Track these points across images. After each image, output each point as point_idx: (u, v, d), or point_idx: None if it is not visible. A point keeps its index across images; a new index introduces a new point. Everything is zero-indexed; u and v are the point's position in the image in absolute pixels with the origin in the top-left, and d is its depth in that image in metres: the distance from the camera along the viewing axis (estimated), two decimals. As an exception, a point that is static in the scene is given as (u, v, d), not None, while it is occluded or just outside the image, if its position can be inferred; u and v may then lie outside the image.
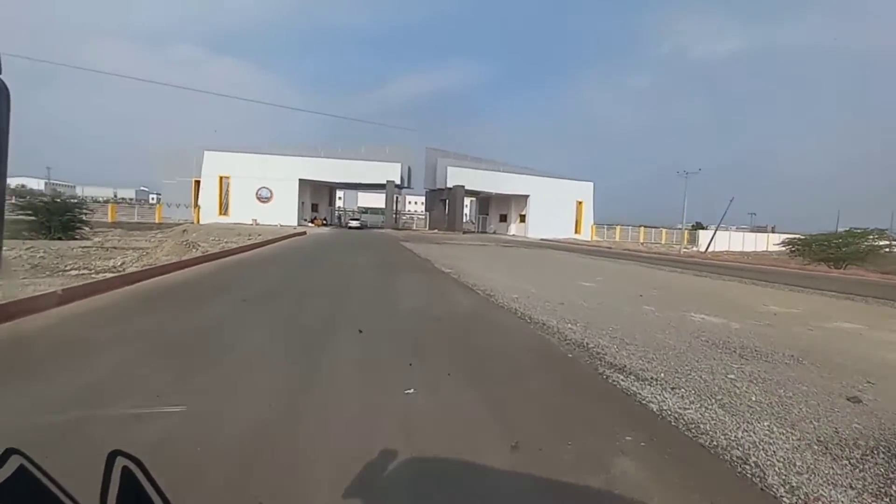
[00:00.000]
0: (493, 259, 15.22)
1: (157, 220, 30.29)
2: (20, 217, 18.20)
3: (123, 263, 10.25)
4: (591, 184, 43.89)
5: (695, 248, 39.97)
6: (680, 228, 56.92)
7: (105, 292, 5.90)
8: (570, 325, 5.35)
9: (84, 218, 21.11)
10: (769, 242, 48.67)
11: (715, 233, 38.45)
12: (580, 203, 43.23)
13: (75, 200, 22.54)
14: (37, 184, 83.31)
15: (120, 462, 0.58)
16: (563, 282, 9.93)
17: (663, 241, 47.56)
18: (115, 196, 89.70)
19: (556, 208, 41.44)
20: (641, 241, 45.94)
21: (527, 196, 41.16)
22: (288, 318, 5.01)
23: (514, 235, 42.36)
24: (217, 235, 22.84)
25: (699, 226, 56.63)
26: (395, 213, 39.38)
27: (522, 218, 42.92)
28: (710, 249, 36.43)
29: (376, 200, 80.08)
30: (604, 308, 6.76)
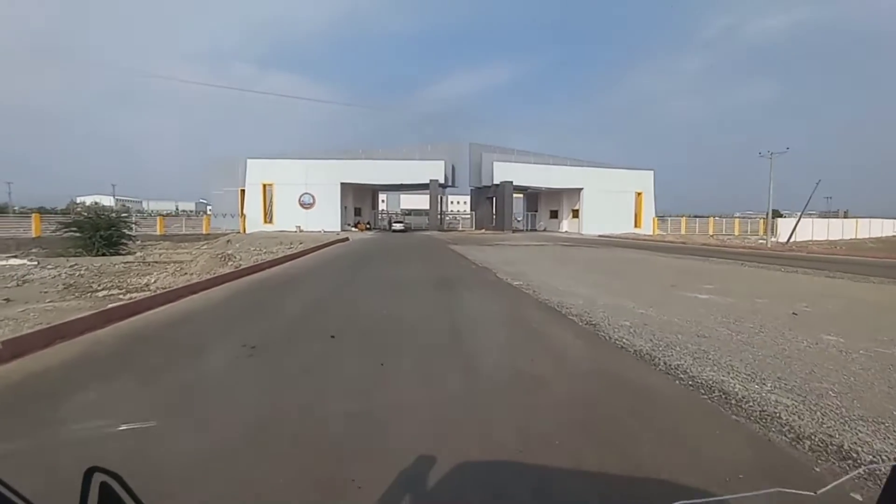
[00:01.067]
0: (561, 263, 12.92)
1: (204, 231, 30.31)
2: (71, 233, 18.07)
3: (157, 280, 9.30)
4: (651, 172, 39.98)
5: (773, 239, 35.26)
6: (753, 217, 51.39)
7: (74, 337, 4.34)
8: (756, 387, 3.20)
9: (128, 232, 20.95)
10: (858, 230, 42.44)
11: (798, 221, 33.62)
12: (639, 194, 39.46)
13: (122, 214, 22.52)
14: (109, 200, 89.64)
15: (98, 478, 0.59)
16: (665, 293, 7.56)
17: (736, 232, 42.65)
18: (177, 209, 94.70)
19: (612, 201, 38.02)
20: (711, 233, 41.40)
21: (580, 189, 38.05)
22: (302, 398, 3.14)
23: (566, 232, 39.39)
24: (258, 245, 22.03)
25: (776, 213, 50.66)
26: (440, 214, 37.59)
27: (575, 213, 39.84)
28: (792, 240, 31.79)
29: (420, 202, 79.07)
30: (766, 342, 4.57)
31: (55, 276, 9.36)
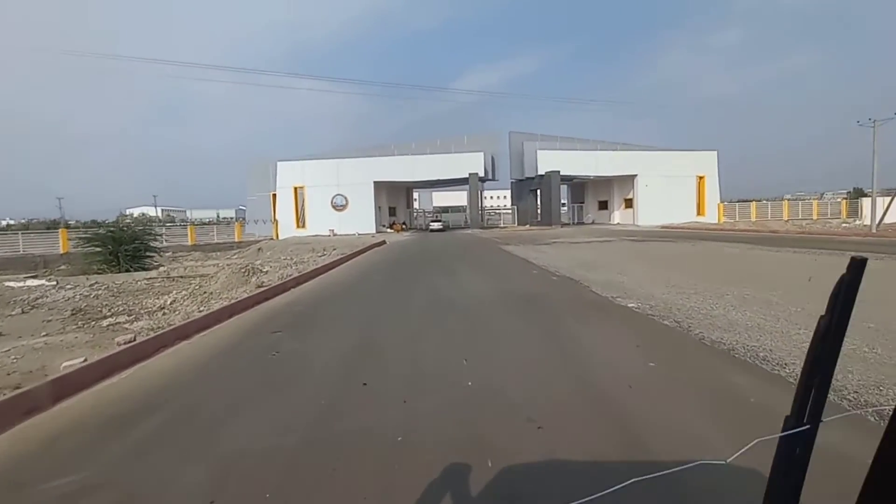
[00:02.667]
0: (654, 265, 10.10)
1: (237, 239, 29.18)
2: (92, 248, 16.91)
3: (173, 302, 8.18)
4: (714, 153, 35.68)
5: (858, 222, 30.41)
6: (836, 198, 45.74)
7: None
8: None
9: (154, 244, 19.71)
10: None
11: (893, 199, 28.62)
12: (701, 178, 35.31)
13: (142, 227, 21.37)
14: (155, 211, 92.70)
15: None
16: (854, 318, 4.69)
17: (814, 216, 37.65)
18: (218, 217, 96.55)
19: (670, 187, 34.16)
20: (785, 217, 36.70)
21: (633, 176, 34.40)
22: None
23: (619, 224, 35.86)
24: (289, 253, 20.30)
25: (859, 192, 44.68)
26: (481, 210, 34.98)
27: (628, 203, 36.19)
28: (885, 222, 26.95)
29: (453, 198, 76.58)
30: None
31: (69, 299, 8.70)
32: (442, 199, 71.85)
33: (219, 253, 27.87)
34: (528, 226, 35.40)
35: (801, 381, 0.72)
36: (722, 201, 36.05)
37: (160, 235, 21.45)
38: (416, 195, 55.44)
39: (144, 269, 17.44)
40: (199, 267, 18.41)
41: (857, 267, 0.64)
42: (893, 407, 0.60)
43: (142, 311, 7.61)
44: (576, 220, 40.42)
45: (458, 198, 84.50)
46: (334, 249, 19.54)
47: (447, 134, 34.54)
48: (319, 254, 18.58)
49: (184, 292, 9.70)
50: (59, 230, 20.82)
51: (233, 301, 6.95)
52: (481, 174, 32.26)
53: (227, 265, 14.28)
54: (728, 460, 0.87)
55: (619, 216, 37.40)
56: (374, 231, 31.98)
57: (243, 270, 12.16)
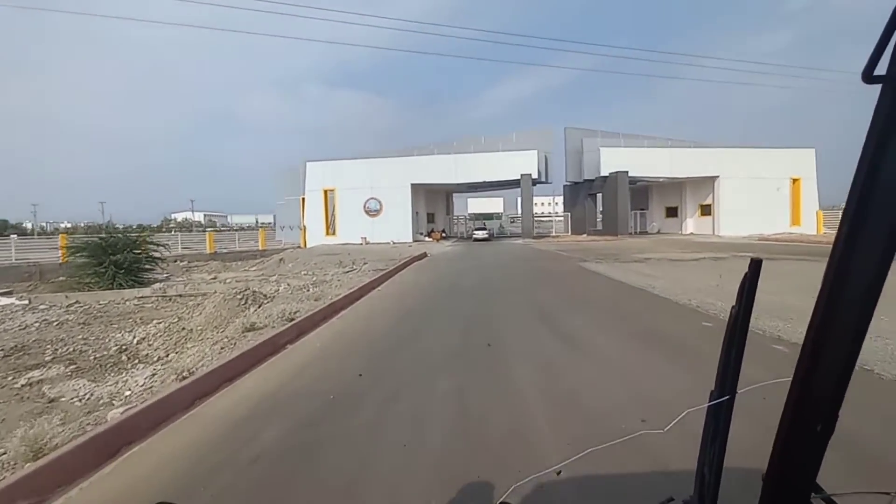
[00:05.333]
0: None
1: (260, 247, 26.30)
2: (83, 259, 14.09)
3: (146, 339, 6.67)
4: (812, 151, 29.98)
5: None
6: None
7: None
8: None
9: (155, 255, 16.79)
10: None
11: None
12: (795, 181, 29.70)
13: (139, 233, 18.53)
14: (191, 215, 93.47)
15: None
16: None
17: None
18: (257, 222, 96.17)
19: (758, 191, 28.81)
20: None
21: (713, 178, 29.25)
22: None
23: (692, 234, 30.74)
24: (312, 266, 16.89)
25: None
26: (532, 218, 30.63)
27: (705, 210, 30.99)
28: None
29: (490, 205, 72.16)
30: None
31: (25, 327, 7.71)
32: (478, 205, 67.52)
33: (240, 262, 25.05)
34: (584, 235, 30.86)
35: (720, 360, 0.85)
36: (821, 208, 30.27)
37: (165, 245, 18.45)
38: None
39: (142, 284, 14.53)
40: (209, 282, 15.34)
41: (755, 266, 0.76)
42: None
43: (94, 357, 5.89)
44: (637, 230, 35.45)
45: (495, 204, 79.93)
46: (365, 263, 16.01)
47: (493, 132, 30.41)
48: (346, 268, 15.09)
49: (162, 324, 7.58)
50: (59, 235, 18.29)
51: (193, 378, 3.30)
52: (535, 175, 28.06)
53: (224, 287, 10.92)
54: (665, 429, 1.15)
55: (692, 225, 32.19)
56: (411, 239, 28.42)
57: (240, 297, 8.69)
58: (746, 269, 0.77)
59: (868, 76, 0.53)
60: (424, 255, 18.19)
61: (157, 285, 13.58)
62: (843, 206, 0.60)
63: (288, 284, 11.60)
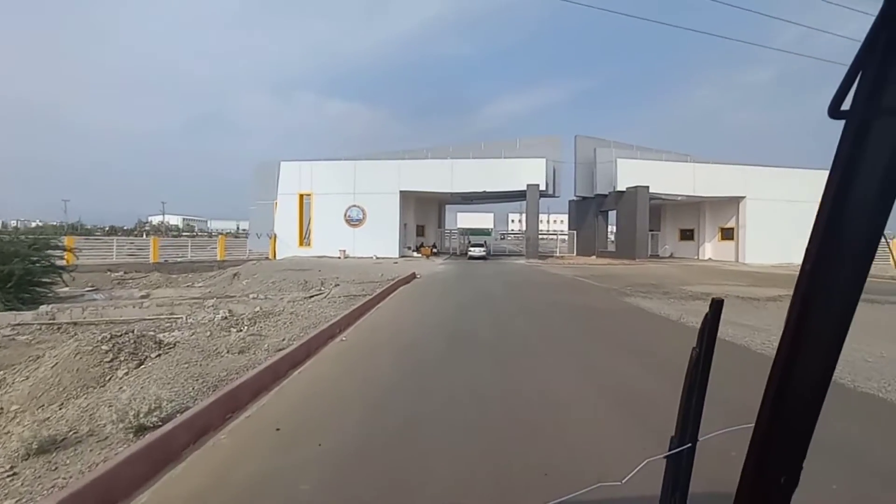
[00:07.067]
0: None
1: (219, 258, 22.29)
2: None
3: None
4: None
5: None
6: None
7: None
8: None
9: (61, 264, 12.83)
10: None
11: None
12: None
13: (35, 237, 14.43)
14: (178, 220, 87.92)
15: None
16: None
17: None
18: (238, 228, 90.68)
19: (788, 216, 25.82)
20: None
21: (739, 199, 26.22)
22: None
23: (711, 260, 27.58)
24: (269, 286, 13.11)
25: None
26: (538, 235, 27.05)
27: (726, 233, 27.90)
28: None
29: (479, 220, 68.57)
30: None
31: None
32: (467, 220, 63.77)
33: (191, 275, 21.06)
34: (594, 257, 27.46)
35: (680, 405, 0.79)
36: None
37: (73, 249, 14.42)
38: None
39: (34, 302, 10.65)
40: (136, 302, 11.40)
41: (716, 307, 0.73)
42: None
43: None
44: (648, 253, 32.20)
45: (485, 220, 76.31)
46: (336, 285, 12.21)
47: (493, 137, 26.94)
48: (311, 292, 11.31)
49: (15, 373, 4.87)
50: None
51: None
52: (542, 186, 24.64)
53: (80, 336, 7.06)
54: (623, 481, 1.01)
55: (710, 250, 29.03)
56: (397, 255, 24.67)
57: (110, 346, 4.89)
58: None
59: (834, 112, 0.56)
60: (413, 275, 14.46)
61: (45, 308, 9.63)
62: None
63: (229, 311, 7.88)
